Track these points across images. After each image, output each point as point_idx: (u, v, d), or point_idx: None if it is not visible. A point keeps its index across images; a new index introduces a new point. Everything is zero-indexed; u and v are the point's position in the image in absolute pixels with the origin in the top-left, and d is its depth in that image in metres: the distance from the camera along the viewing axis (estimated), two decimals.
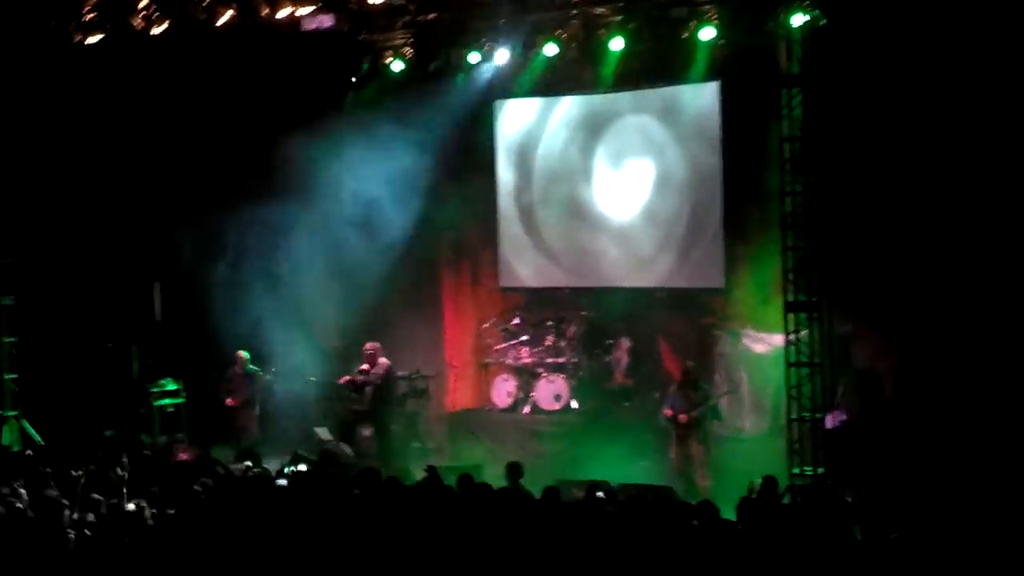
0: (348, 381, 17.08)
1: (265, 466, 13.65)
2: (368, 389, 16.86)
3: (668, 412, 15.21)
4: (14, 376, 17.40)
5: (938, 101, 14.03)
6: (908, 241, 14.43)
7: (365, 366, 16.89)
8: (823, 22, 13.60)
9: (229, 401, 17.08)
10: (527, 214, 18.38)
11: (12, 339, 17.41)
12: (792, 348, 13.74)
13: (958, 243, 14.10)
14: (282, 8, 14.75)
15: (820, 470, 13.50)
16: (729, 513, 10.43)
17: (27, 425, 17.26)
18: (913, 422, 14.03)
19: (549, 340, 17.60)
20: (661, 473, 14.87)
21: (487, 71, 16.70)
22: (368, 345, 16.97)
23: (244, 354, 17.12)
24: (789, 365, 13.77)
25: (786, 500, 12.48)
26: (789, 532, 9.81)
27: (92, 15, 15.68)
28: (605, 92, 17.32)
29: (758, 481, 11.78)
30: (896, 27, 14.00)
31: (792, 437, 13.68)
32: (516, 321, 17.94)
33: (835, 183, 14.18)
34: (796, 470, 13.60)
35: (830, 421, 14.10)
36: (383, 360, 16.91)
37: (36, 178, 17.51)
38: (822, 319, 13.58)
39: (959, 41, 13.76)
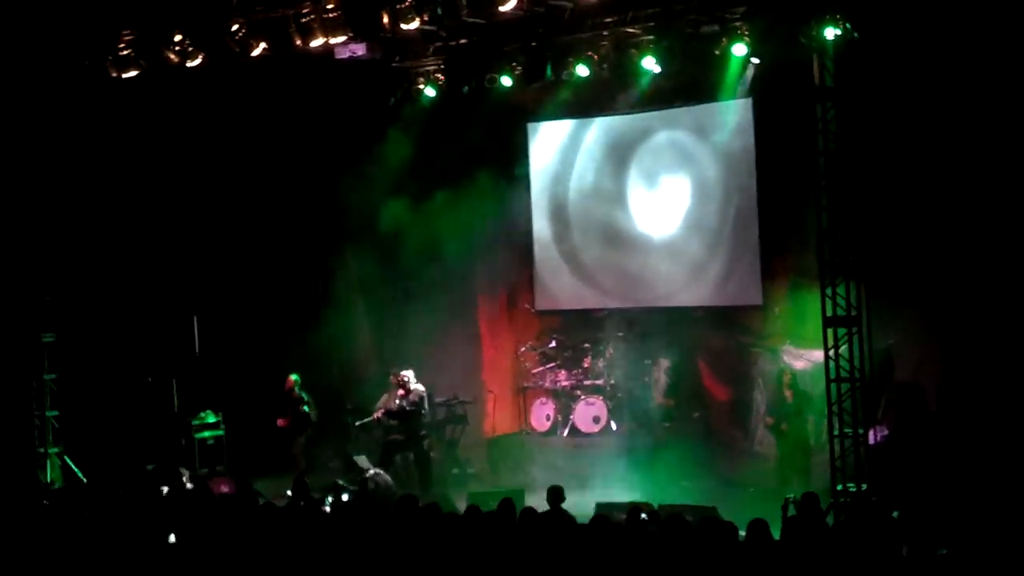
0: (383, 414, 17.05)
1: (312, 496, 13.51)
2: (403, 415, 16.83)
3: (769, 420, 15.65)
4: (55, 413, 17.45)
5: (975, 112, 13.91)
6: (949, 253, 14.29)
7: (400, 392, 16.85)
8: (855, 35, 13.48)
9: (280, 422, 17.07)
10: (562, 237, 18.36)
11: (53, 376, 17.47)
12: (832, 363, 13.60)
13: (1001, 255, 13.94)
14: (315, 38, 14.78)
15: (864, 486, 13.33)
16: (772, 531, 10.29)
17: (69, 462, 17.32)
18: (958, 436, 13.85)
19: (587, 362, 17.54)
20: (703, 493, 14.73)
21: (519, 94, 16.70)
22: (401, 373, 16.91)
23: (294, 377, 17.12)
24: (830, 381, 13.63)
25: (830, 518, 12.32)
26: (835, 550, 9.67)
27: (127, 51, 15.77)
28: (638, 112, 17.31)
29: (792, 495, 11.64)
30: (929, 39, 13.90)
31: (835, 454, 13.53)
32: (553, 344, 17.90)
33: (872, 196, 14.05)
34: (839, 487, 13.44)
35: (873, 436, 13.96)
36: (418, 387, 16.82)
37: (75, 215, 17.61)
38: (862, 333, 13.44)
39: (993, 52, 13.65)
